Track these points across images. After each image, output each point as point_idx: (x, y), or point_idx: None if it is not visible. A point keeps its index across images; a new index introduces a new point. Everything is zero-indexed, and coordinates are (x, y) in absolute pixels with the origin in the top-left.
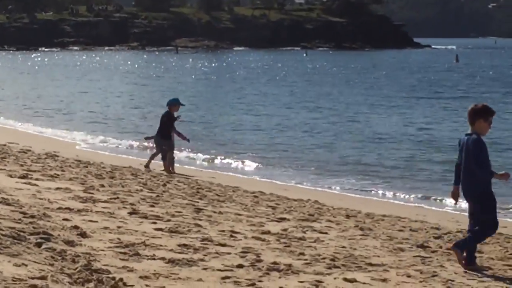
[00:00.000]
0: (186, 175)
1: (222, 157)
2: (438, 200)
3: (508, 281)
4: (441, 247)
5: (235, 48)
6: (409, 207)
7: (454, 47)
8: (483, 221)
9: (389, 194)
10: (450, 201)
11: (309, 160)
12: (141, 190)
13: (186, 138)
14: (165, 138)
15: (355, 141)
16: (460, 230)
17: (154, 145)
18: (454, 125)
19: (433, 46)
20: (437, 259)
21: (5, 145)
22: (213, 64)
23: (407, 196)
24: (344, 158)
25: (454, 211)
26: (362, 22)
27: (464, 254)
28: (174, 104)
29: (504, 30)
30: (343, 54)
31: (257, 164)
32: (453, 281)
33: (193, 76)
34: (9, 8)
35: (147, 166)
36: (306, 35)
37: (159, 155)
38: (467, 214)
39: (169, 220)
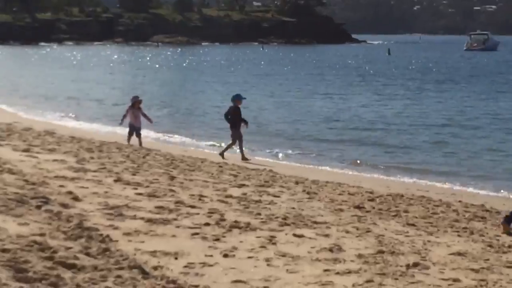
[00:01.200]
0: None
1: (191, 136)
2: (371, 169)
3: (428, 235)
4: (374, 208)
5: (203, 43)
6: (347, 175)
7: (384, 42)
8: None
9: (332, 164)
10: (382, 168)
11: (264, 137)
12: (125, 162)
13: (150, 120)
14: (234, 128)
15: (303, 121)
16: (390, 193)
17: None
18: (384, 107)
19: (368, 41)
20: (370, 217)
21: (10, 124)
22: (190, 57)
23: (346, 168)
24: (293, 135)
25: (385, 177)
26: (309, 21)
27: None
28: (237, 99)
29: (427, 28)
30: (293, 48)
31: (221, 141)
32: (383, 235)
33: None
34: (14, 10)
35: (222, 153)
36: (263, 32)
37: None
38: (394, 179)
39: (148, 186)
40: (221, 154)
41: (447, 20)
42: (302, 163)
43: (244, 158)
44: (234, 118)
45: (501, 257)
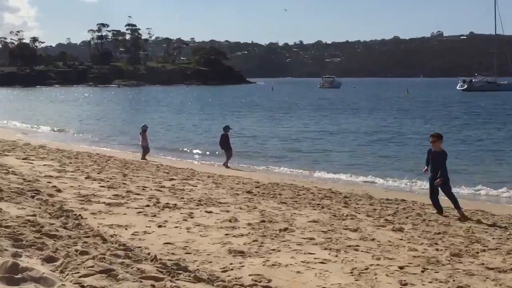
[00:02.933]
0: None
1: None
2: (261, 167)
3: (295, 209)
4: (259, 192)
5: (147, 85)
6: (244, 172)
7: (268, 83)
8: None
9: (235, 164)
10: (269, 165)
11: (189, 145)
12: (93, 165)
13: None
14: (225, 149)
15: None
16: (270, 182)
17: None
18: (266, 127)
19: (257, 82)
20: (257, 199)
21: (15, 140)
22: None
23: (243, 165)
24: (208, 145)
25: (267, 173)
26: (217, 69)
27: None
28: (228, 129)
29: (295, 73)
30: (208, 87)
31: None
32: (265, 210)
33: (133, 102)
34: (18, 64)
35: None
36: (187, 77)
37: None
38: (274, 174)
39: (108, 181)
40: (227, 167)
41: (308, 67)
42: (214, 163)
43: (227, 167)
44: (224, 142)
45: (341, 223)
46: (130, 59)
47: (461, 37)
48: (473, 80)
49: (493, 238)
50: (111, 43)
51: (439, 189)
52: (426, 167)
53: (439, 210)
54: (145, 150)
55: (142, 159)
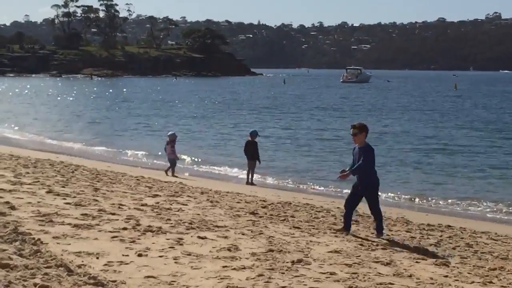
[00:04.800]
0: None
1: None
2: (265, 181)
3: (311, 236)
4: (266, 214)
5: (125, 76)
6: (245, 186)
7: (279, 74)
8: None
9: (233, 177)
10: (273, 181)
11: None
12: (56, 176)
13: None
14: (251, 158)
15: (204, 143)
16: (280, 201)
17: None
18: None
19: (264, 74)
20: (263, 222)
21: None
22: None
23: (243, 177)
24: (198, 152)
25: (277, 189)
26: (214, 57)
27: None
28: (256, 134)
29: (313, 63)
30: (201, 79)
31: (139, 157)
32: (273, 237)
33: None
34: None
35: (248, 182)
36: (176, 66)
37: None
38: (285, 191)
39: (75, 197)
40: (251, 183)
41: (329, 57)
42: (207, 176)
43: (251, 183)
44: (251, 150)
45: (370, 254)
46: (104, 43)
47: None
48: None
49: None
50: (81, 22)
51: (364, 198)
52: (345, 170)
53: (347, 226)
54: (173, 164)
55: (171, 175)
